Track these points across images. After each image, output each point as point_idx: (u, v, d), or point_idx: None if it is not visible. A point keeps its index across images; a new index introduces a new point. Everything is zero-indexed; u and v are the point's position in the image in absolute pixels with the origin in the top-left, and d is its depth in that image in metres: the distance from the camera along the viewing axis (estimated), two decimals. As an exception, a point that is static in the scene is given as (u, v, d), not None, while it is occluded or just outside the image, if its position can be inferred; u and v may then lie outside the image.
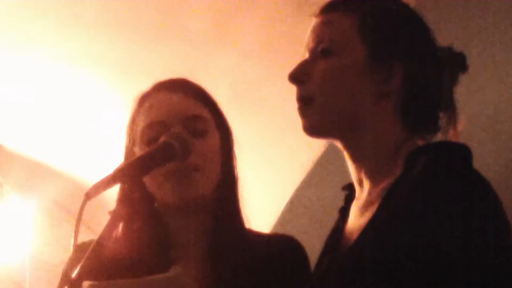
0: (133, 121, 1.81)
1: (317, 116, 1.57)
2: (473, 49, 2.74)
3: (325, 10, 1.62)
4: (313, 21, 1.62)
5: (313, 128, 1.58)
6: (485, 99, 2.92)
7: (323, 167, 3.97)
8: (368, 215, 1.51)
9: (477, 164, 1.47)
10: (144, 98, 1.81)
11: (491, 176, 1.45)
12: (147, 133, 1.76)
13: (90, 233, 1.68)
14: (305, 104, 1.58)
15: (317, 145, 3.91)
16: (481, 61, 2.83)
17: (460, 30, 3.01)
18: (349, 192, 1.66)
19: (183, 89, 1.80)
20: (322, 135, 1.63)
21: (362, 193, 1.59)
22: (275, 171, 4.24)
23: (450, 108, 1.60)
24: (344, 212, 1.64)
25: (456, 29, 2.98)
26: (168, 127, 1.73)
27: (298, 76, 1.59)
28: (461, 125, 1.59)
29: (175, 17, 3.70)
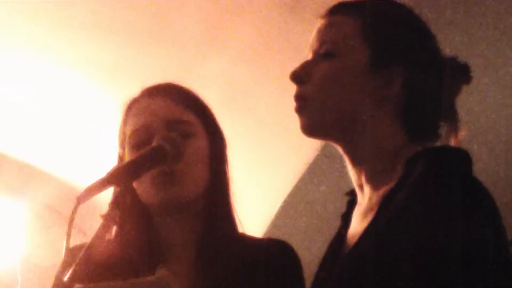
0: (122, 128, 1.83)
1: (313, 115, 1.57)
2: (474, 49, 2.75)
3: (331, 12, 1.63)
4: (318, 23, 1.63)
5: (309, 127, 1.58)
6: (485, 100, 2.92)
7: (316, 171, 3.97)
8: (368, 220, 1.51)
9: (477, 165, 1.46)
10: (130, 105, 1.83)
11: (491, 177, 1.45)
12: (133, 139, 1.78)
13: (82, 237, 1.69)
14: (302, 103, 1.58)
15: (309, 150, 3.91)
16: (482, 61, 2.83)
17: (460, 31, 3.01)
18: (352, 198, 1.66)
19: (167, 94, 1.81)
20: (318, 135, 1.63)
21: (363, 199, 1.58)
22: (267, 176, 4.24)
23: (452, 117, 1.60)
24: (346, 218, 1.64)
25: (456, 30, 2.98)
26: (152, 131, 1.74)
27: (299, 76, 1.59)
28: (462, 135, 1.59)
29: (167, 20, 3.70)
